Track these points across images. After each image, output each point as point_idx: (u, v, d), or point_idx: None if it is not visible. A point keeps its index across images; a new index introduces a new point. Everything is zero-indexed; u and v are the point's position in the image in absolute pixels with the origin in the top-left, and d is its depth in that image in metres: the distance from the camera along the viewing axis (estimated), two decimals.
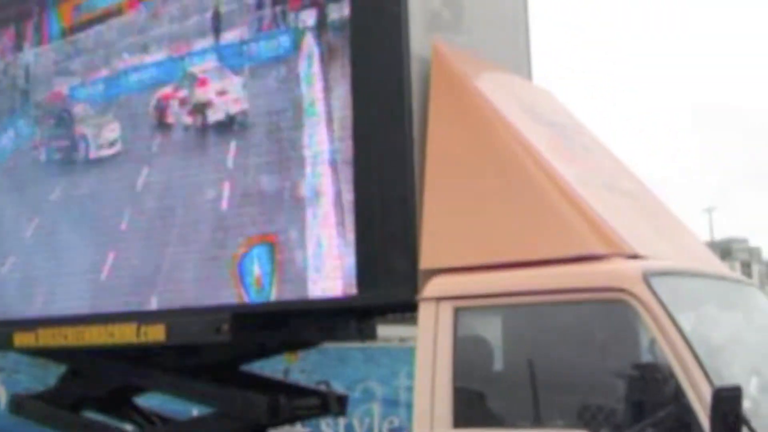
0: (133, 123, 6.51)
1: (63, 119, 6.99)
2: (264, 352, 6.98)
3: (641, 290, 4.33)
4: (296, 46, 5.79)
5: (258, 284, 5.81)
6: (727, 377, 4.35)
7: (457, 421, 4.65)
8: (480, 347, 4.82)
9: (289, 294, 5.66)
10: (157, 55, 6.45)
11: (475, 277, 4.80)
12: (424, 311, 4.85)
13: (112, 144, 6.60)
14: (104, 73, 6.76)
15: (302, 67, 5.75)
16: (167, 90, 6.37)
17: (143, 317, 6.25)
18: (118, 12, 6.73)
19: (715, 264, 5.69)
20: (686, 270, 4.87)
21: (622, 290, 4.37)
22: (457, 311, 4.77)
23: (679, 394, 4.15)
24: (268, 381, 6.94)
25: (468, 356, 4.73)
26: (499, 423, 4.64)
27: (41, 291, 6.84)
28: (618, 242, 4.66)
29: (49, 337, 6.75)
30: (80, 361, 7.11)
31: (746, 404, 4.35)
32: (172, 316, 6.13)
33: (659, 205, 5.97)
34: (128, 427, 7.34)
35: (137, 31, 6.60)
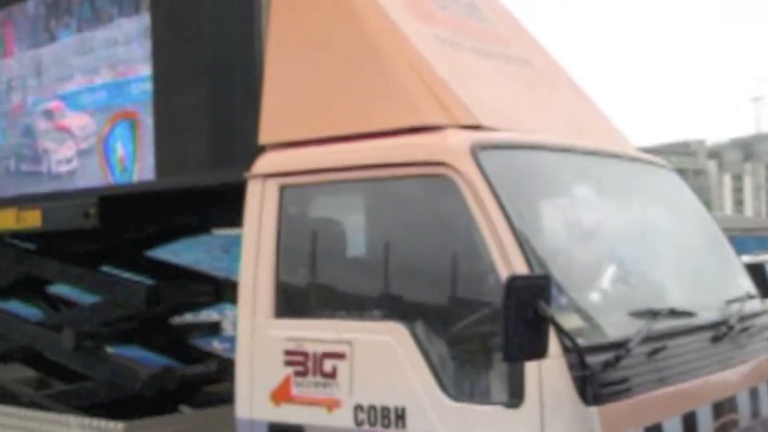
0: None
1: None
2: (158, 238, 6.41)
3: (465, 164, 3.56)
4: None
5: (122, 164, 5.21)
6: (567, 268, 3.64)
7: (279, 311, 4.01)
8: (306, 229, 4.12)
9: (148, 174, 5.06)
10: None
11: (301, 152, 4.09)
12: (251, 190, 4.16)
13: None
14: None
15: None
16: None
17: (22, 202, 5.74)
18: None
19: (620, 145, 4.84)
20: (545, 144, 4.03)
21: (443, 164, 3.61)
22: (282, 189, 4.08)
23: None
24: (170, 268, 6.40)
25: (293, 239, 4.04)
26: (320, 312, 3.99)
27: None
28: (458, 111, 3.88)
29: None
30: None
31: (595, 297, 3.69)
32: (48, 200, 5.60)
33: (561, 79, 5.13)
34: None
35: None
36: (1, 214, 5.86)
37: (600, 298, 3.69)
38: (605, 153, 4.36)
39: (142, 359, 6.31)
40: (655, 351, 3.55)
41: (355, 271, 3.98)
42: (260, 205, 4.11)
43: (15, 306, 7.03)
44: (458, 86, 4.02)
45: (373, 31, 4.15)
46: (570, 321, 3.38)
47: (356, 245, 4.00)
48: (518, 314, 3.02)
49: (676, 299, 3.94)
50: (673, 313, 3.74)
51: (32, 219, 5.69)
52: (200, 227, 6.35)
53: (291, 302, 4.03)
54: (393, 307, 3.72)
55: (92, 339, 5.86)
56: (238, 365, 4.09)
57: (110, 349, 6.52)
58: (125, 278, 5.98)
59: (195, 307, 6.48)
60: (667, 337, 3.66)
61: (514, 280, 3.07)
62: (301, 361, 3.85)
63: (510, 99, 4.40)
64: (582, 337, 3.35)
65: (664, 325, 3.66)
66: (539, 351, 3.11)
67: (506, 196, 3.51)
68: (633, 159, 4.63)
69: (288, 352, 3.90)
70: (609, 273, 3.80)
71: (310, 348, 3.83)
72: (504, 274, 3.32)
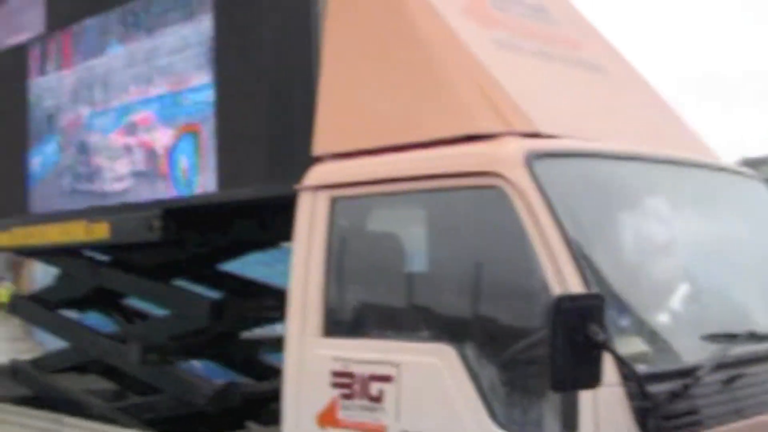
0: None
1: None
2: (228, 252, 6.26)
3: (518, 174, 3.26)
4: None
5: (185, 176, 5.08)
6: (629, 287, 3.29)
7: (327, 329, 3.76)
8: (356, 243, 3.88)
9: (211, 186, 4.90)
10: None
11: (352, 163, 3.85)
12: (302, 202, 3.94)
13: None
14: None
15: None
16: None
17: (92, 214, 5.67)
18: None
19: (700, 154, 4.42)
20: (608, 152, 3.66)
21: (495, 174, 3.32)
22: (333, 201, 3.85)
23: None
24: (241, 282, 6.23)
25: (343, 253, 3.81)
26: (368, 331, 3.72)
27: None
28: (514, 117, 3.57)
29: (20, 237, 6.31)
30: (63, 262, 6.64)
31: (662, 318, 3.33)
32: (117, 212, 5.51)
33: (637, 86, 4.75)
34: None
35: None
36: (72, 226, 5.81)
37: (668, 319, 3.33)
38: (679, 161, 3.97)
39: (213, 374, 6.17)
40: (732, 379, 3.16)
41: (404, 288, 3.71)
42: (310, 218, 3.88)
43: (94, 318, 7.01)
44: (516, 91, 3.71)
45: (428, 36, 3.89)
46: (632, 345, 3.04)
47: (406, 260, 3.72)
48: (566, 339, 2.70)
49: (757, 321, 3.53)
50: (754, 336, 3.34)
51: (101, 231, 5.60)
52: (268, 241, 6.17)
53: (339, 320, 3.78)
54: (442, 327, 3.45)
55: (158, 353, 5.73)
56: (286, 385, 3.88)
57: (196, 363, 6.43)
58: (191, 292, 5.84)
59: (263, 321, 6.29)
60: (747, 363, 3.27)
61: (561, 301, 2.75)
62: (347, 384, 3.60)
63: (574, 105, 4.06)
64: (646, 363, 3.01)
65: (742, 349, 3.27)
66: (590, 380, 2.77)
67: (563, 208, 3.19)
68: (713, 168, 4.23)
69: (335, 374, 3.65)
70: (679, 292, 3.43)
71: (357, 370, 3.57)
72: (557, 293, 3.00)
